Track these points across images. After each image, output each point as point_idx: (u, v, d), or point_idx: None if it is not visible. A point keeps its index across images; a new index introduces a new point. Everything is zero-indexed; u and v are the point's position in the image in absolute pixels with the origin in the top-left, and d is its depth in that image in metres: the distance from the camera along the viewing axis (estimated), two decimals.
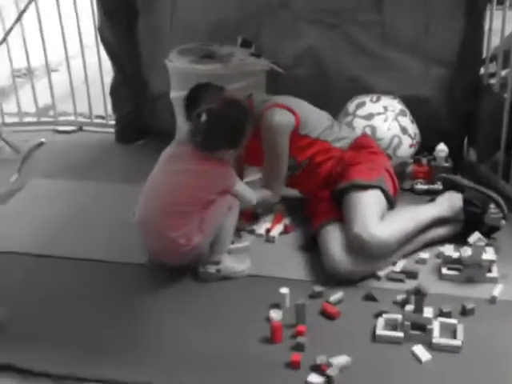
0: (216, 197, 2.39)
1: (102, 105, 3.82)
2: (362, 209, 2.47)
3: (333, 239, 2.47)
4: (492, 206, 2.59)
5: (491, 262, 2.41)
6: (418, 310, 2.12)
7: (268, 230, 2.72)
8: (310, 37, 3.31)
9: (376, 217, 2.47)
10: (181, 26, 3.41)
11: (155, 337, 2.17)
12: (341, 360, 1.99)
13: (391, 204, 2.61)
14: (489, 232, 2.60)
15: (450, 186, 2.77)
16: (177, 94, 3.11)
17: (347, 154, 2.74)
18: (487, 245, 2.43)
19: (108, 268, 2.54)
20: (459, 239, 2.56)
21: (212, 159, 2.39)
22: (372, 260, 2.42)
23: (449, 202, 2.65)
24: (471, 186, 2.70)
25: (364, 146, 2.79)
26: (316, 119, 2.79)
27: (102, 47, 3.62)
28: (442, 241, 2.60)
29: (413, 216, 2.55)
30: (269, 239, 2.69)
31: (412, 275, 2.43)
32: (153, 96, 3.59)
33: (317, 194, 2.74)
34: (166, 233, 2.34)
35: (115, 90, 3.65)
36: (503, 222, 2.60)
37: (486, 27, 3.12)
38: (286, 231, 2.74)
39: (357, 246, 2.39)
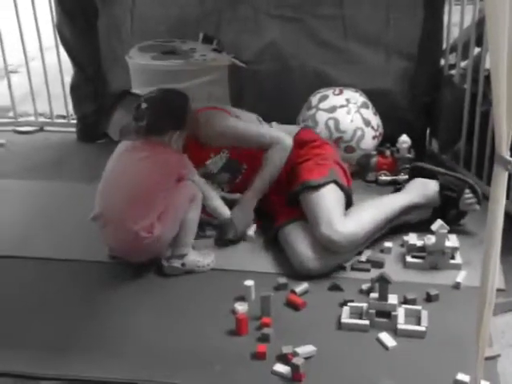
0: (174, 184, 2.39)
1: (62, 104, 3.77)
2: (322, 208, 2.43)
3: (297, 239, 2.44)
4: (467, 190, 2.60)
5: (454, 248, 2.42)
6: (383, 297, 2.12)
7: None
8: (271, 31, 3.31)
9: (338, 212, 2.44)
10: (141, 23, 3.39)
11: (120, 334, 2.14)
12: (307, 349, 1.98)
13: (347, 194, 2.57)
14: (457, 218, 2.63)
15: (419, 173, 2.74)
16: (138, 91, 3.07)
17: (292, 152, 2.68)
18: (450, 232, 2.44)
19: (71, 266, 2.50)
20: (423, 227, 2.57)
21: (164, 146, 2.42)
22: (340, 255, 2.41)
23: (421, 189, 2.64)
24: (445, 172, 2.69)
25: (306, 140, 2.74)
26: (246, 116, 2.78)
27: (61, 47, 3.58)
28: (407, 226, 2.60)
29: (379, 206, 2.53)
30: (246, 239, 2.62)
31: (378, 265, 2.43)
32: (114, 94, 3.54)
33: (269, 197, 2.69)
34: (128, 225, 2.32)
35: (76, 89, 3.61)
36: (477, 206, 2.60)
37: (446, 21, 3.15)
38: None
39: (327, 246, 2.37)
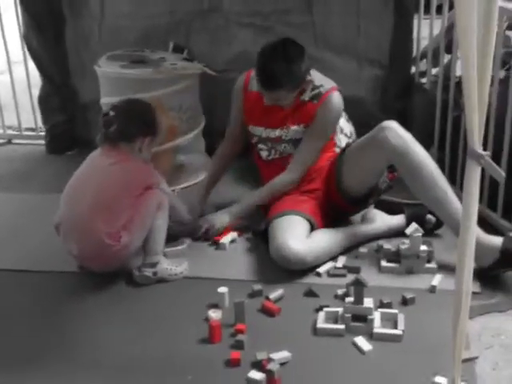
0: (141, 192, 2.36)
1: (31, 118, 3.72)
2: (282, 228, 2.45)
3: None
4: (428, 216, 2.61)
5: (429, 252, 2.41)
6: (358, 301, 2.09)
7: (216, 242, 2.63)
8: (242, 40, 3.30)
9: (296, 232, 2.43)
10: (110, 33, 3.36)
11: (92, 344, 2.08)
12: (282, 355, 1.94)
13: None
14: (434, 228, 2.62)
15: (385, 208, 2.71)
16: (108, 100, 3.03)
17: None
18: (425, 235, 2.42)
19: (40, 278, 2.44)
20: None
21: (132, 154, 2.39)
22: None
23: (387, 221, 2.65)
24: (410, 203, 2.67)
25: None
26: None
27: (29, 59, 3.54)
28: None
29: (336, 238, 2.52)
30: (220, 247, 2.59)
31: (354, 270, 2.40)
32: (83, 105, 3.51)
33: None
34: (93, 232, 2.27)
35: (44, 100, 3.56)
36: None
37: (415, 34, 3.17)
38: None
39: (277, 259, 2.38)
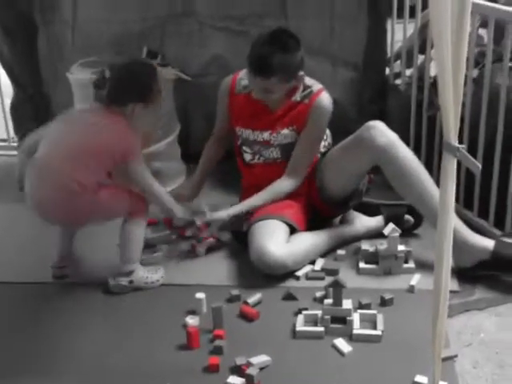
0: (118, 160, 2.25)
1: (3, 128, 3.66)
2: (264, 232, 2.42)
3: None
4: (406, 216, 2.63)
5: (407, 252, 2.40)
6: (337, 302, 2.07)
7: (194, 246, 2.59)
8: (217, 44, 3.27)
9: (276, 237, 2.40)
10: (83, 40, 3.31)
11: (69, 354, 2.05)
12: (261, 359, 1.92)
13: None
14: (412, 228, 2.63)
15: (363, 210, 2.71)
16: (81, 108, 3.00)
17: None
18: (402, 235, 2.41)
19: (14, 289, 2.39)
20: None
21: (120, 119, 2.28)
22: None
23: (365, 223, 2.66)
24: (384, 204, 2.69)
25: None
26: None
27: (0, 67, 3.49)
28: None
29: (317, 242, 2.51)
30: (198, 254, 2.55)
31: (332, 272, 2.39)
32: (56, 113, 3.44)
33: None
34: (65, 177, 2.17)
35: (16, 109, 3.50)
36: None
37: (389, 39, 3.19)
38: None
39: (257, 263, 2.36)
